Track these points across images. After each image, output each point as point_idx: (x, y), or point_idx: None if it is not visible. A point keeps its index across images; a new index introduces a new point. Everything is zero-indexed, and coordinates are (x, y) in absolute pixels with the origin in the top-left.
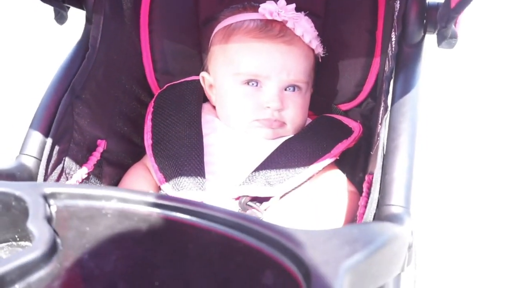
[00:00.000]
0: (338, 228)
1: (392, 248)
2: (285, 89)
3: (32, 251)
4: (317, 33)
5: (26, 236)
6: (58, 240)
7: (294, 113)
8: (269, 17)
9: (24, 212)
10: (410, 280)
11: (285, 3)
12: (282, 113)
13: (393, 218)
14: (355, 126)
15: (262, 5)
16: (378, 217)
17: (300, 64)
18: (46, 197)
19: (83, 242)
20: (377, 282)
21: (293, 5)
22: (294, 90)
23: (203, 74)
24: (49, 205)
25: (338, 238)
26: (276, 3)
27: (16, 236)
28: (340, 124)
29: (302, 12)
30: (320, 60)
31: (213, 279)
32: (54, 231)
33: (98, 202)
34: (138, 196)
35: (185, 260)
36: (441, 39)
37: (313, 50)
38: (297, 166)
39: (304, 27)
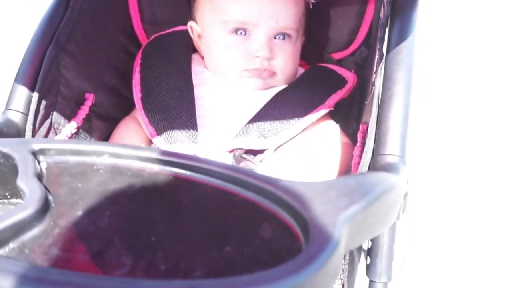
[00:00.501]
0: (335, 179)
1: (389, 198)
2: (275, 38)
3: (24, 209)
4: None
5: (16, 193)
6: (50, 197)
7: (284, 62)
8: None
9: (13, 170)
10: (402, 227)
11: None
12: (271, 62)
13: (389, 168)
14: (349, 76)
15: None
16: (373, 167)
17: (289, 11)
18: (35, 154)
19: (75, 198)
20: (375, 232)
21: None
22: (284, 38)
23: (190, 23)
24: (39, 162)
25: (335, 189)
26: None
27: (7, 194)
28: (334, 74)
29: None
30: (311, 7)
31: (210, 233)
32: (45, 188)
33: (89, 157)
34: (130, 151)
35: (181, 214)
36: None
37: None
38: (291, 118)
39: None
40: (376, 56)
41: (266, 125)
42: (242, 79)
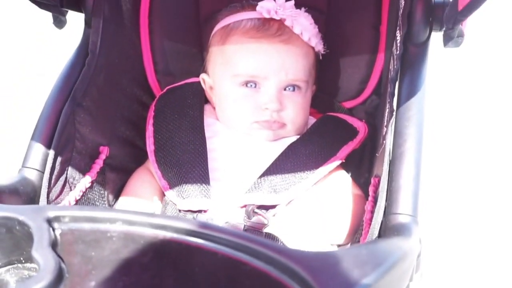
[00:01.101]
0: (347, 250)
1: (401, 267)
2: (285, 89)
3: (38, 281)
4: (317, 29)
5: (31, 258)
6: (64, 267)
7: (294, 114)
8: (266, 16)
9: (28, 236)
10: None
11: (283, 0)
12: (281, 113)
13: (401, 229)
14: (360, 126)
15: (260, 3)
16: (385, 225)
17: (298, 63)
18: (50, 221)
19: (89, 268)
20: None
21: (292, 2)
22: (293, 89)
23: (203, 76)
24: (54, 229)
25: (347, 260)
26: (275, 1)
27: (21, 259)
28: (345, 124)
29: (303, 9)
30: (321, 58)
31: None
32: (59, 257)
33: (103, 224)
34: (143, 218)
35: (193, 285)
36: (447, 40)
37: (313, 47)
38: (302, 171)
39: (303, 24)
40: (387, 110)
41: (278, 179)
42: (253, 131)
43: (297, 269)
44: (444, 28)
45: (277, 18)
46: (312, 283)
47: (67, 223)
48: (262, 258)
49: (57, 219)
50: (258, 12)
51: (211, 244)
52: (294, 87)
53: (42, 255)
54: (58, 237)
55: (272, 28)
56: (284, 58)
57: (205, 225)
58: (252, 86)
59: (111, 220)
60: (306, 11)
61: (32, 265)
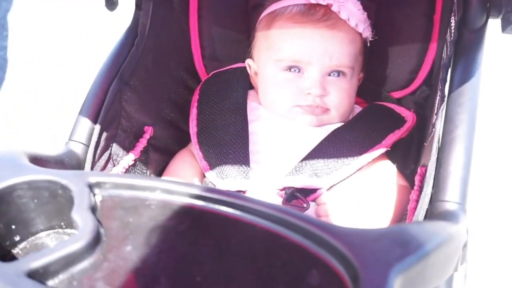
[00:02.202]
0: (390, 227)
1: (446, 250)
2: (329, 75)
3: (76, 241)
4: (366, 16)
5: (71, 223)
6: (102, 231)
7: (338, 99)
8: (313, 1)
9: (69, 201)
10: (460, 275)
11: None
12: (325, 99)
13: (448, 216)
14: (408, 115)
15: None
16: (431, 213)
17: (344, 49)
18: (91, 186)
19: (126, 233)
20: (429, 285)
21: None
22: (338, 75)
23: (248, 61)
24: (94, 194)
25: (389, 238)
26: None
27: (62, 224)
28: (392, 113)
29: None
30: (368, 44)
31: (257, 276)
32: (98, 221)
33: (142, 192)
34: (182, 188)
35: (228, 255)
36: (506, 24)
37: (360, 34)
38: (345, 157)
39: (350, 10)
40: (438, 97)
41: (320, 163)
42: (295, 116)
43: (336, 244)
44: (503, 13)
45: (324, 3)
46: (351, 258)
47: (107, 189)
48: (300, 232)
49: (98, 185)
50: None
51: (249, 216)
52: (339, 72)
53: (81, 217)
54: (98, 202)
55: (318, 13)
56: (328, 43)
57: (243, 198)
58: (295, 71)
59: (151, 189)
60: None
61: (72, 230)
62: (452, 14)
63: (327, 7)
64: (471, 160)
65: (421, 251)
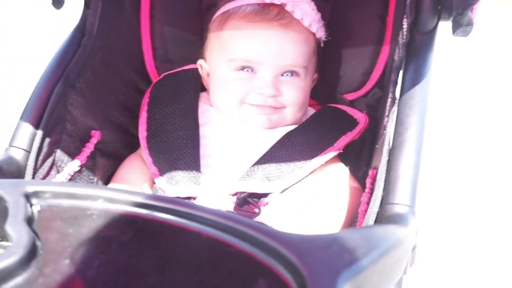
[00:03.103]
0: (338, 234)
1: (395, 254)
2: (282, 75)
3: (8, 256)
4: (320, 16)
5: (7, 236)
6: (39, 243)
7: (292, 97)
8: (267, 1)
9: (4, 212)
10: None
11: None
12: (278, 99)
13: (397, 219)
14: (361, 117)
15: None
16: (381, 216)
17: (297, 48)
18: (28, 196)
19: (65, 245)
20: None
21: None
22: (291, 75)
23: (200, 62)
24: (31, 205)
25: (337, 244)
26: None
27: None
28: (344, 115)
29: None
30: (322, 45)
31: (203, 286)
32: (35, 233)
33: (83, 201)
34: (125, 196)
35: (173, 266)
36: (456, 27)
37: (314, 34)
38: (298, 160)
39: (304, 10)
40: (389, 99)
41: (272, 167)
42: (246, 116)
43: (284, 252)
44: (453, 15)
45: (278, 3)
46: (298, 266)
47: (46, 198)
48: (248, 240)
49: (36, 194)
50: None
51: (195, 224)
52: (292, 72)
53: (15, 230)
54: (36, 213)
55: (272, 12)
56: (282, 42)
57: (188, 205)
58: (248, 71)
59: (92, 197)
60: None
61: (9, 243)
62: (405, 16)
63: (281, 7)
64: (420, 163)
65: (369, 257)
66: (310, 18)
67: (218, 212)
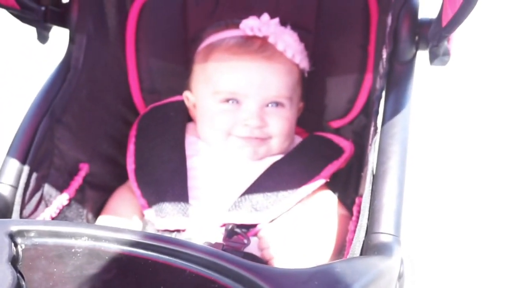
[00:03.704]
0: (319, 267)
1: (377, 286)
2: (267, 105)
3: None
4: (302, 47)
5: None
6: (23, 284)
7: (278, 128)
8: (250, 33)
9: None
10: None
11: (268, 18)
12: (265, 129)
13: (382, 248)
14: (346, 146)
15: (243, 21)
16: (366, 245)
17: (281, 80)
18: (12, 236)
19: (49, 285)
20: None
21: (277, 20)
22: (276, 105)
23: (186, 93)
24: (16, 244)
25: (318, 279)
26: (259, 19)
27: None
28: (330, 144)
29: (288, 26)
30: (306, 75)
31: None
32: (20, 273)
33: (68, 240)
34: (110, 233)
35: None
36: (433, 57)
37: (297, 65)
38: (285, 189)
39: (286, 41)
40: (372, 129)
41: (259, 198)
42: (232, 148)
43: (265, 287)
44: (429, 46)
45: (260, 35)
46: None
47: (31, 237)
48: (230, 276)
49: (21, 233)
50: (241, 30)
51: (178, 260)
52: (277, 103)
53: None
54: (20, 252)
55: (255, 44)
56: (265, 74)
57: (172, 241)
58: (233, 103)
59: (77, 235)
60: (292, 29)
61: None
62: (384, 46)
63: (264, 39)
64: (403, 191)
65: None
66: (293, 49)
67: (201, 248)
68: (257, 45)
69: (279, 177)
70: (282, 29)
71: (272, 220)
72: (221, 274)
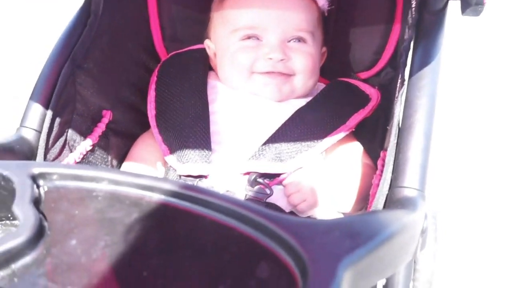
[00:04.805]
0: (340, 218)
1: (400, 240)
2: (289, 41)
3: (16, 236)
4: None
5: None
6: (46, 224)
7: (302, 63)
8: None
9: (12, 193)
10: (429, 255)
11: None
12: (288, 63)
13: (406, 203)
14: (373, 93)
15: None
16: (390, 199)
17: (300, 14)
18: (35, 178)
19: (71, 226)
20: (384, 274)
21: None
22: (299, 41)
23: (206, 42)
24: (38, 186)
25: (339, 230)
26: None
27: (9, 215)
28: (356, 90)
29: None
30: (326, 14)
31: (205, 269)
32: (42, 214)
33: (89, 183)
34: (131, 178)
35: (176, 248)
36: (465, 6)
37: (315, 2)
38: (309, 139)
39: None
40: (399, 81)
41: (283, 146)
42: (255, 87)
43: (285, 236)
44: None
45: None
46: (300, 251)
47: (53, 180)
48: (251, 224)
49: (43, 176)
50: None
51: (198, 207)
52: (299, 39)
53: (22, 211)
54: (42, 194)
55: None
56: (284, 8)
57: (193, 188)
58: (254, 39)
59: (98, 179)
60: None
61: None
62: None
63: None
64: (430, 146)
65: (371, 243)
66: None
67: (221, 196)
68: None
69: (303, 125)
70: None
71: (296, 170)
72: (240, 221)
